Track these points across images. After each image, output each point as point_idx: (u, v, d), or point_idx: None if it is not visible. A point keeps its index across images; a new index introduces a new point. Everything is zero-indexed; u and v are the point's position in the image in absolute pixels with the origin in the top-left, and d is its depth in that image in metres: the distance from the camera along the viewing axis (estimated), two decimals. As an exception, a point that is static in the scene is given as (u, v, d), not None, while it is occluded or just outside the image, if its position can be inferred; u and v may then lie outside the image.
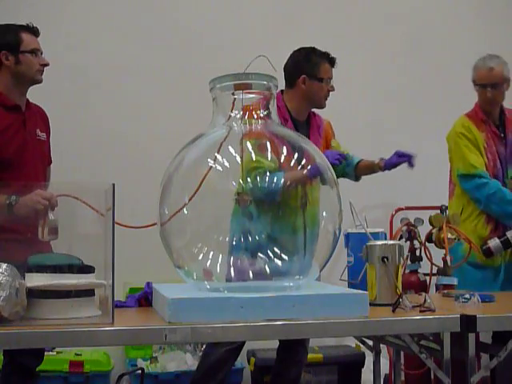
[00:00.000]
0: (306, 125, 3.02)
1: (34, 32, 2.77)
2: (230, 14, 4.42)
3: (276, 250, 1.94)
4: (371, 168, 3.11)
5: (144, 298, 2.18)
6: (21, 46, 2.70)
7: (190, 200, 1.94)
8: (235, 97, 2.02)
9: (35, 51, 2.72)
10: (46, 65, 2.76)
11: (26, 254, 1.93)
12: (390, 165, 3.00)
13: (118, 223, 1.85)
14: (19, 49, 2.70)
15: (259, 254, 1.94)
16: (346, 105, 4.44)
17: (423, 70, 4.64)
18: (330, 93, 3.01)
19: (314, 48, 3.01)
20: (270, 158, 2.01)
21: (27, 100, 2.81)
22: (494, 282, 3.02)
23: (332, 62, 3.00)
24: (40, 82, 2.77)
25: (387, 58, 4.61)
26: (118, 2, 4.35)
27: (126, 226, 2.06)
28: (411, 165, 2.94)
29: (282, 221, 1.99)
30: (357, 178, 3.19)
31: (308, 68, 2.96)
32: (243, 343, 2.95)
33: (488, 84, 3.12)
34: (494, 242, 2.98)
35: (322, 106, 3.03)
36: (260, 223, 1.98)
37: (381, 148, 4.47)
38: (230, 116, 2.05)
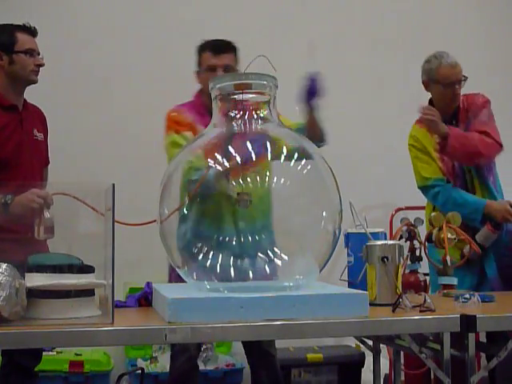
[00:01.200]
0: None
1: (32, 32, 2.75)
2: (230, 14, 4.42)
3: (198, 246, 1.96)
4: (309, 122, 2.68)
5: (144, 298, 2.18)
6: (15, 46, 2.69)
7: (189, 199, 1.94)
8: (235, 97, 2.02)
9: (30, 51, 2.70)
10: (41, 65, 2.74)
11: (22, 253, 1.93)
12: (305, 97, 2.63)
13: (117, 221, 1.85)
14: (13, 49, 2.68)
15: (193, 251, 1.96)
16: (345, 103, 4.45)
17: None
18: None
19: None
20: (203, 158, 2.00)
21: (24, 100, 2.80)
22: (470, 283, 2.94)
23: None
24: (35, 82, 2.75)
25: (388, 58, 4.61)
26: (120, 2, 4.36)
27: (125, 224, 2.06)
28: (313, 92, 2.56)
29: (209, 217, 1.99)
30: None
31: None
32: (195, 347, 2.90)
33: (456, 81, 3.03)
34: (467, 248, 2.93)
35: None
36: (190, 220, 1.99)
37: (380, 147, 4.51)
38: (230, 116, 2.05)
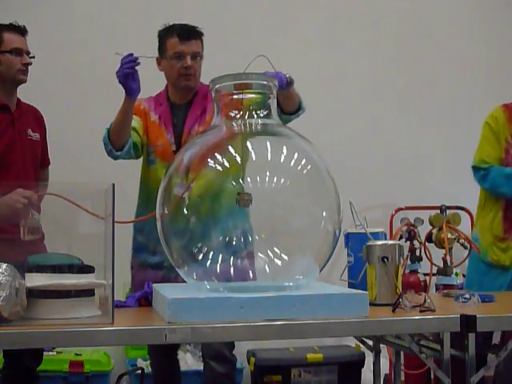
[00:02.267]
0: (186, 106, 2.80)
1: (20, 31, 2.73)
2: (230, 14, 4.42)
3: None
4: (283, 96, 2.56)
5: (144, 298, 2.18)
6: (1, 46, 2.68)
7: (186, 190, 1.94)
8: (235, 97, 2.02)
9: (16, 51, 2.69)
10: (28, 64, 2.72)
11: (16, 253, 1.93)
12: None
13: (117, 221, 1.85)
14: None
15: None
16: (345, 103, 4.45)
17: (424, 69, 4.64)
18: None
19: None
20: None
21: (18, 100, 2.79)
22: (502, 281, 2.95)
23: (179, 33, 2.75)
24: (23, 81, 2.74)
25: (387, 58, 4.61)
26: (118, 2, 4.36)
27: (123, 222, 2.06)
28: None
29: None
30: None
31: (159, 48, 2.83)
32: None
33: None
34: None
35: (176, 86, 2.78)
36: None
37: (380, 147, 4.51)
38: (230, 116, 2.05)
